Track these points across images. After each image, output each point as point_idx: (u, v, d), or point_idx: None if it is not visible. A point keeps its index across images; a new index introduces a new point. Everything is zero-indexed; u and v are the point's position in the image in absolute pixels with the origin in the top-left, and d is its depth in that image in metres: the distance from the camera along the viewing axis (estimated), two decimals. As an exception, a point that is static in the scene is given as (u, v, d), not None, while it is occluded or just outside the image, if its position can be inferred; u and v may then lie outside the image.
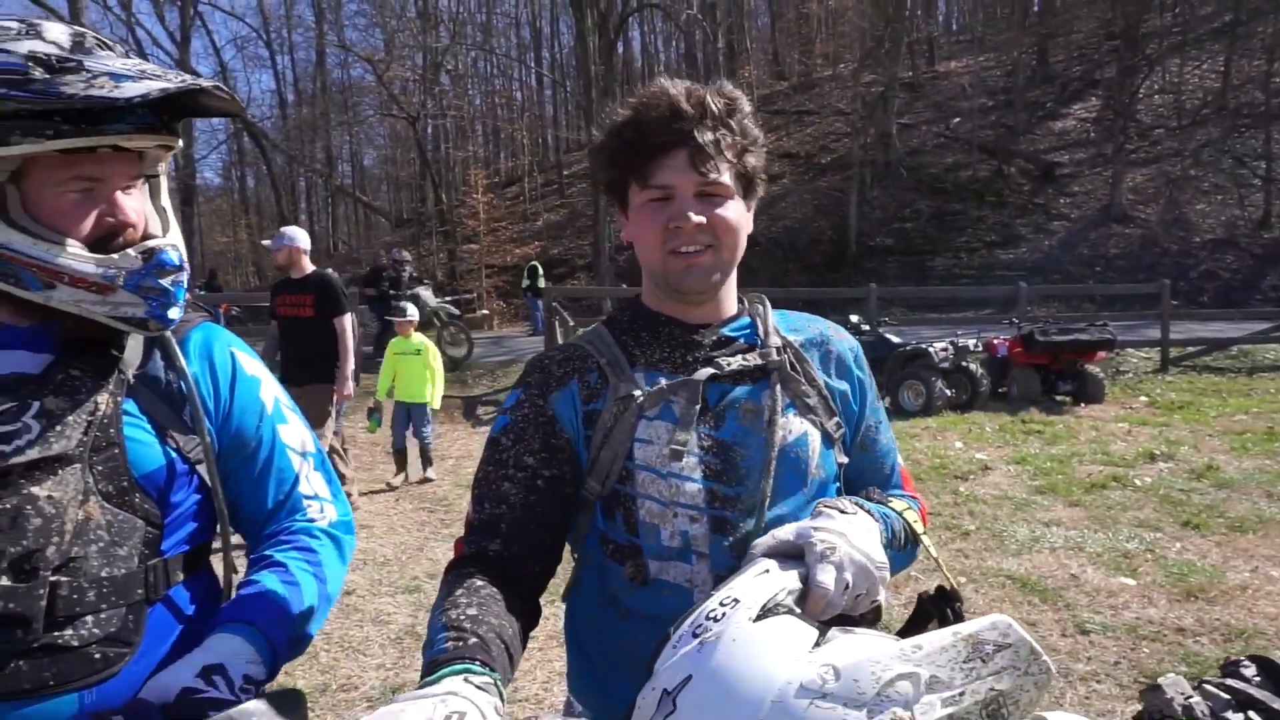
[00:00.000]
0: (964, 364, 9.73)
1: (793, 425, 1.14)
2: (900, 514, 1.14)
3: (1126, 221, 23.24)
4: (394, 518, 5.91)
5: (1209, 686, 0.83)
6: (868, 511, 1.05)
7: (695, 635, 0.88)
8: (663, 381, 1.13)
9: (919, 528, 1.14)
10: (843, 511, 1.01)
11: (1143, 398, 10.20)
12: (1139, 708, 0.83)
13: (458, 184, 32.77)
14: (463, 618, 0.96)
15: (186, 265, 1.12)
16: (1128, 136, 24.15)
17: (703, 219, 1.09)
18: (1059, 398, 9.90)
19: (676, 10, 30.86)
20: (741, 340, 1.18)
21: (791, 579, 0.94)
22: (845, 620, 0.95)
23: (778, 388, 1.14)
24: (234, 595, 1.15)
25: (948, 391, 9.56)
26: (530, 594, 1.11)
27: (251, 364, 1.24)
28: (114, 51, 1.05)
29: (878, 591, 0.95)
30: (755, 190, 1.17)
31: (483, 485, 1.15)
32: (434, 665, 0.88)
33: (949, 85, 31.81)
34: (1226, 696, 0.82)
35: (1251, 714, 0.81)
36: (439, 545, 5.27)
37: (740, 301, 1.24)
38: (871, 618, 0.98)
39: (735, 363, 1.14)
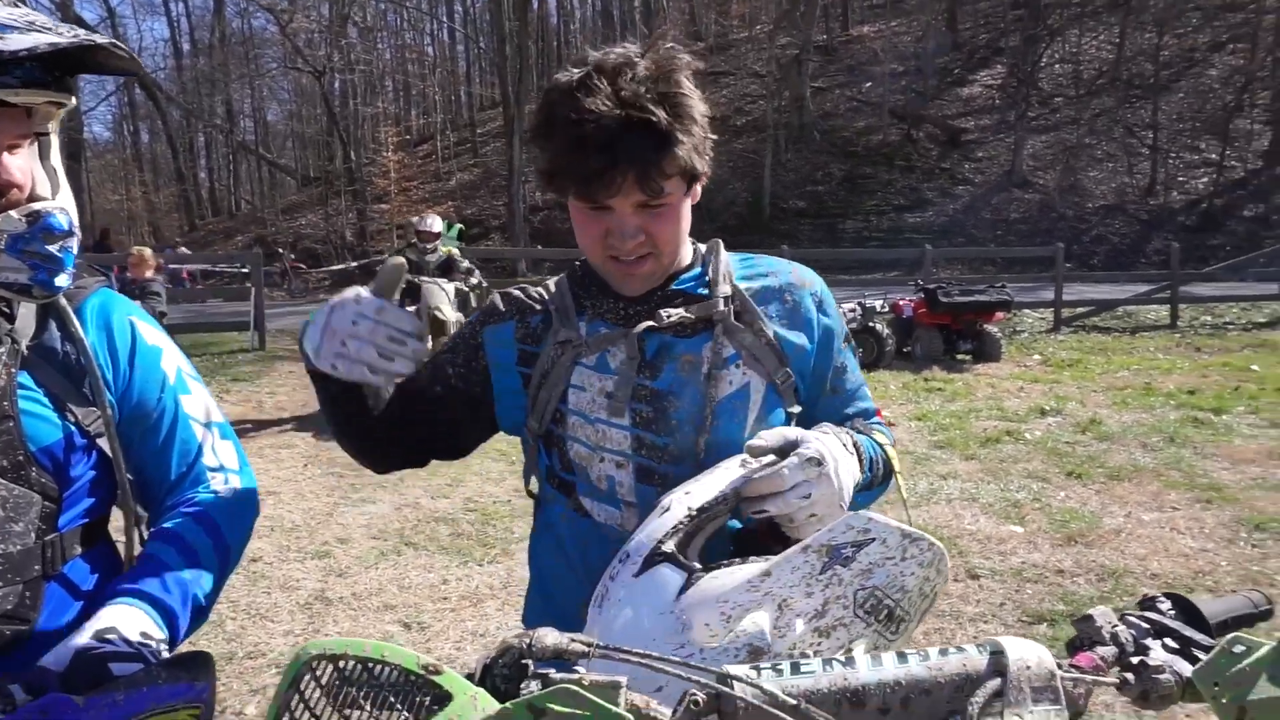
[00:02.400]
0: (871, 324, 10.03)
1: (734, 377, 1.14)
2: (882, 447, 1.17)
3: (1027, 187, 24.19)
4: (302, 483, 5.79)
5: (1131, 617, 0.90)
6: (856, 448, 1.08)
7: (599, 597, 0.91)
8: (603, 331, 1.16)
9: (896, 464, 1.18)
10: (844, 445, 1.05)
11: (1036, 356, 10.72)
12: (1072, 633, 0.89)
13: (367, 142, 31.77)
14: None
15: (77, 230, 1.07)
16: (1029, 104, 25.04)
17: (641, 236, 1.08)
18: (959, 357, 10.32)
19: (592, -34, 30.34)
20: (688, 293, 1.18)
21: (708, 490, 0.96)
22: (776, 535, 0.98)
23: (721, 339, 1.15)
24: (131, 568, 1.13)
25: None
26: (385, 423, 1.21)
27: (152, 333, 1.21)
28: None
29: (828, 523, 0.95)
30: (699, 179, 1.13)
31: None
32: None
33: (862, 50, 32.27)
34: (1146, 626, 0.89)
35: (1167, 640, 0.88)
36: (349, 510, 5.20)
37: (694, 249, 1.24)
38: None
39: (676, 315, 1.14)
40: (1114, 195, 23.98)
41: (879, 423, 1.26)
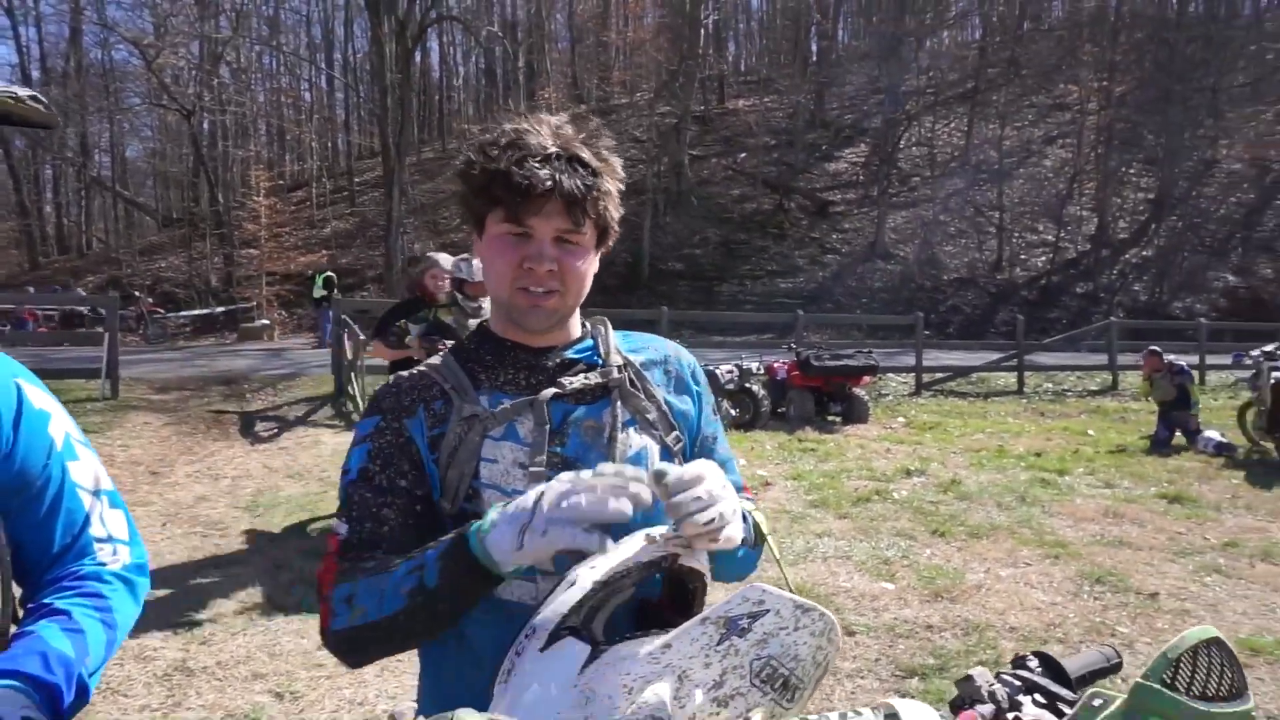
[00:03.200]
0: (747, 385, 10.36)
1: (633, 440, 1.18)
2: (749, 514, 1.21)
3: (889, 258, 25.75)
4: (160, 543, 5.41)
5: (1005, 676, 0.99)
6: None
7: (506, 673, 0.91)
8: (507, 403, 1.16)
9: (766, 528, 1.21)
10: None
11: (900, 419, 11.32)
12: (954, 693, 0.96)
13: (237, 184, 30.56)
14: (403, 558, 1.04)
15: None
16: (890, 182, 26.81)
17: (554, 266, 1.13)
18: (830, 418, 10.77)
19: (477, 26, 30.68)
20: (584, 361, 1.23)
21: (613, 563, 0.94)
22: (678, 607, 0.99)
23: (618, 405, 1.19)
24: (8, 647, 1.06)
25: (733, 412, 10.16)
26: None
27: (39, 396, 1.15)
28: None
29: (732, 535, 0.98)
30: (609, 239, 1.21)
31: (359, 509, 1.13)
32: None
33: (737, 122, 33.83)
34: (1019, 683, 0.98)
35: (1036, 695, 0.98)
36: (214, 572, 4.90)
37: (584, 325, 1.29)
38: (700, 592, 1.01)
39: (577, 382, 1.18)
40: (966, 269, 25.86)
41: (746, 496, 1.30)
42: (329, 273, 17.48)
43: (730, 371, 10.37)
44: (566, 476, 0.95)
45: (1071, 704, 0.98)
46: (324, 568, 1.12)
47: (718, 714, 0.86)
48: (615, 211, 1.18)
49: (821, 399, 10.79)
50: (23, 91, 0.96)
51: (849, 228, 27.62)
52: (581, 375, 1.19)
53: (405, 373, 1.24)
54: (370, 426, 1.17)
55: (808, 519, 6.28)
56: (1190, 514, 6.51)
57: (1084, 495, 7.11)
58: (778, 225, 27.15)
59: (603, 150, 1.16)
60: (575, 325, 1.26)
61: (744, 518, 1.15)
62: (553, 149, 1.10)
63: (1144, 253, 27.20)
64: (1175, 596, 4.73)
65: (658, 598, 1.07)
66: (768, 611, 0.86)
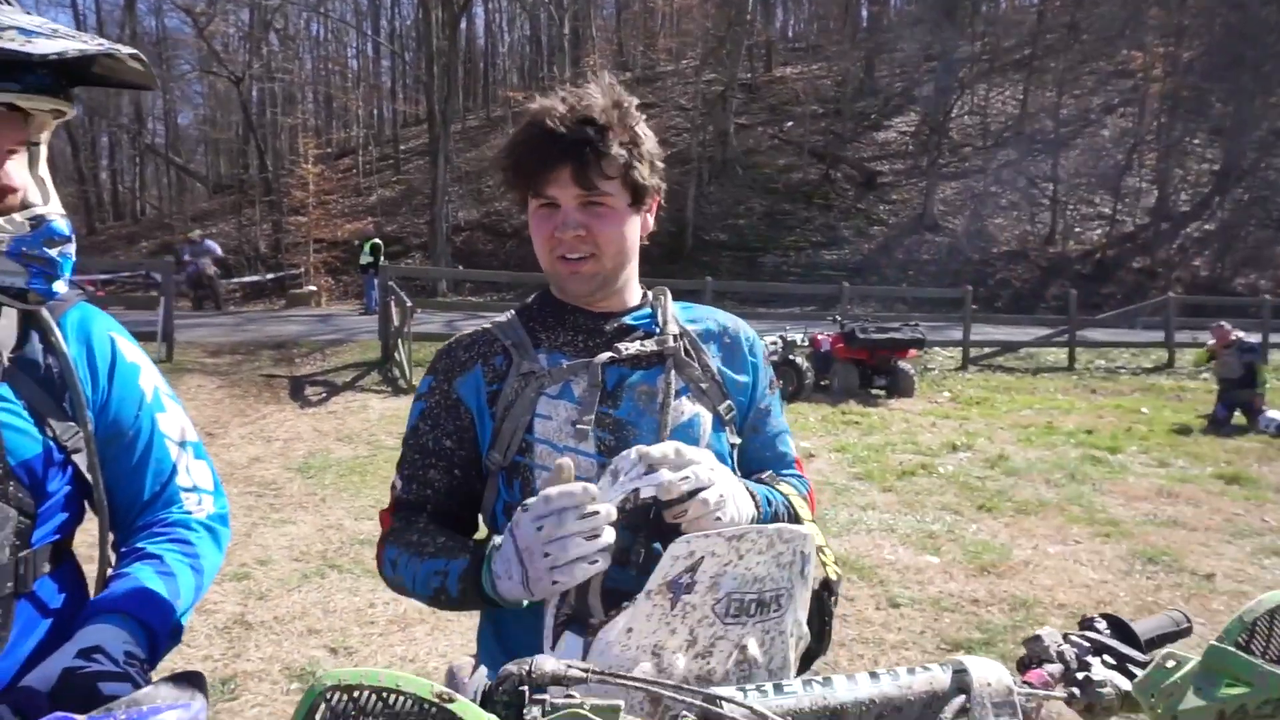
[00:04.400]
0: (791, 357, 10.29)
1: (685, 408, 1.20)
2: (786, 497, 1.22)
3: (937, 230, 25.25)
4: (216, 503, 5.58)
5: (1073, 637, 0.98)
6: (750, 492, 1.13)
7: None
8: (564, 363, 1.20)
9: (805, 513, 1.21)
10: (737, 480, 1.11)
11: (946, 393, 11.17)
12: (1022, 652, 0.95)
13: (285, 152, 30.93)
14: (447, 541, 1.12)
15: (74, 239, 1.05)
16: (940, 152, 26.22)
17: (582, 231, 1.15)
18: (874, 391, 10.67)
19: (523, -8, 30.50)
20: (642, 329, 1.25)
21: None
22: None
23: (672, 373, 1.21)
24: (104, 588, 1.10)
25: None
26: None
27: (131, 349, 1.19)
28: (13, 5, 0.98)
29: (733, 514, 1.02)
30: (646, 198, 1.21)
31: (409, 468, 1.24)
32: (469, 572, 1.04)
33: (784, 90, 33.27)
34: (1087, 644, 0.97)
35: (1105, 656, 0.96)
36: (268, 530, 5.03)
37: (644, 294, 1.32)
38: None
39: (633, 348, 1.21)
40: (1017, 242, 25.28)
41: (794, 473, 1.32)
42: (376, 240, 17.58)
43: (774, 343, 10.30)
44: (528, 513, 0.97)
45: (1141, 665, 0.97)
46: (383, 518, 1.25)
47: (708, 665, 0.87)
48: (647, 170, 1.19)
49: (866, 372, 10.68)
50: (125, 50, 0.97)
51: (897, 199, 27.11)
52: (638, 341, 1.22)
53: (467, 332, 1.29)
54: (425, 386, 1.26)
55: (852, 492, 6.25)
56: (1249, 495, 6.35)
57: (1137, 474, 6.97)
58: (824, 196, 26.75)
59: (624, 112, 1.17)
60: (633, 293, 1.29)
61: (769, 501, 1.17)
62: (561, 119, 1.13)
63: (1206, 226, 26.32)
64: (1232, 578, 4.62)
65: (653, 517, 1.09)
66: (702, 558, 0.85)
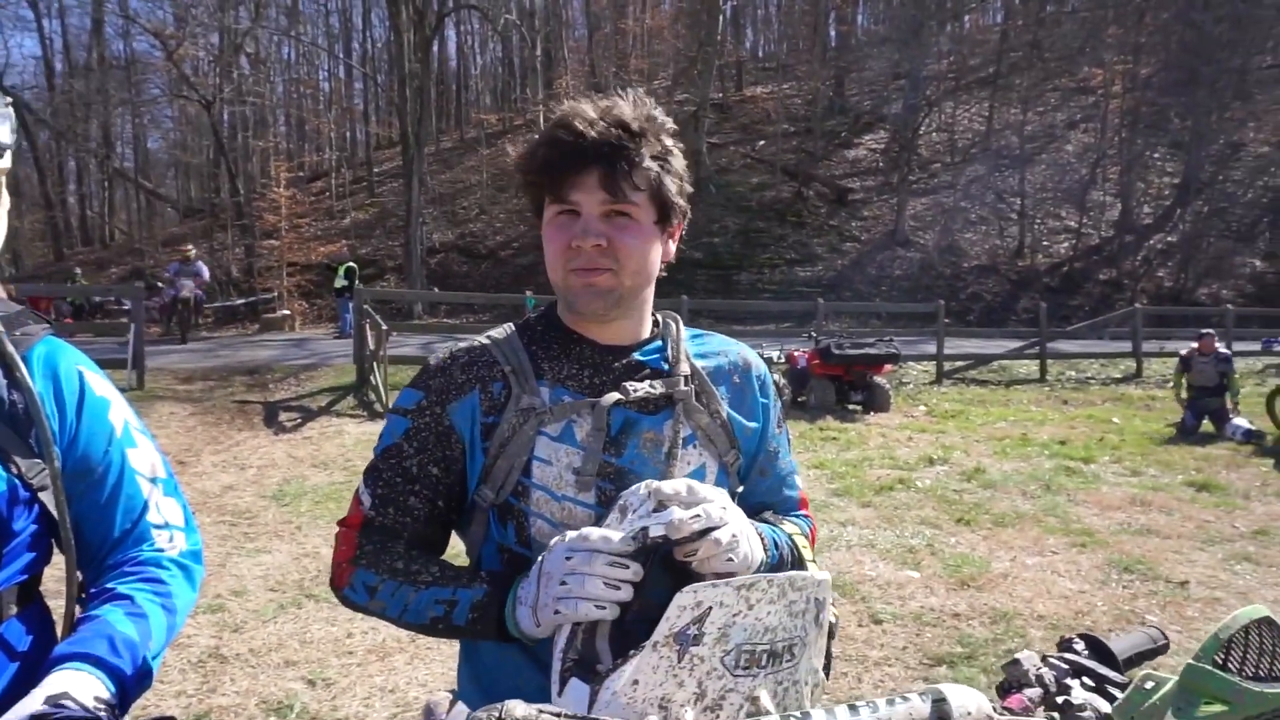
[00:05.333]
0: (769, 374, 10.32)
1: (691, 457, 1.15)
2: (790, 537, 1.19)
3: (909, 246, 25.54)
4: (190, 533, 5.49)
5: (1052, 659, 0.98)
6: (759, 533, 1.09)
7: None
8: (567, 400, 1.13)
9: (807, 553, 1.19)
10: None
11: (921, 407, 11.26)
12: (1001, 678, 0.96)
13: (257, 175, 30.73)
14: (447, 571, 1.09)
15: None
16: (910, 168, 26.56)
17: (603, 241, 1.08)
18: (851, 407, 10.73)
19: (495, 14, 30.62)
20: (650, 366, 1.18)
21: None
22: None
23: (681, 419, 1.15)
24: (74, 630, 1.08)
25: (754, 400, 10.15)
26: None
27: (100, 384, 1.17)
28: None
29: (748, 555, 0.99)
30: (672, 216, 1.15)
31: (386, 489, 1.15)
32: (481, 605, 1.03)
33: (755, 109, 33.59)
34: (1066, 666, 0.97)
35: (1085, 679, 0.96)
36: (243, 560, 4.96)
37: (656, 324, 1.24)
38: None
39: (641, 389, 1.14)
40: (987, 256, 25.62)
41: (800, 514, 1.29)
42: (350, 263, 17.50)
43: (751, 360, 10.34)
44: (565, 542, 0.96)
45: (1120, 686, 0.97)
46: (344, 536, 1.16)
47: (718, 718, 0.85)
48: (676, 188, 1.13)
49: (842, 387, 10.75)
50: None
51: (869, 215, 27.40)
52: (647, 383, 1.15)
53: (464, 346, 1.20)
54: (413, 402, 1.16)
55: (831, 508, 6.27)
56: (1219, 502, 6.45)
57: (1110, 483, 7.06)
58: (796, 213, 26.98)
59: (658, 124, 1.12)
60: (644, 323, 1.21)
61: (776, 544, 1.14)
62: (591, 123, 1.07)
63: (1169, 238, 26.84)
64: (1205, 585, 4.69)
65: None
66: (711, 609, 0.83)
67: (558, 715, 0.72)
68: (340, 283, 16.91)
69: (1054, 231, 27.18)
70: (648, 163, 1.09)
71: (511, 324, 1.23)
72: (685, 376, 1.17)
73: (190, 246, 17.69)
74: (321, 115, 34.52)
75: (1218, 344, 9.79)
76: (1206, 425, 9.31)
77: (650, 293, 1.19)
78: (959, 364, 14.02)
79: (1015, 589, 4.65)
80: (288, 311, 20.48)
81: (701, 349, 1.24)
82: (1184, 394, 9.77)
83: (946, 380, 13.30)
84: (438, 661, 3.68)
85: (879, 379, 10.95)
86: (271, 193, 23.58)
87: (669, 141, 1.13)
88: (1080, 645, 1.06)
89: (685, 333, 1.24)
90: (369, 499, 1.15)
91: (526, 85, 34.59)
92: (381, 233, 26.85)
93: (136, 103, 31.99)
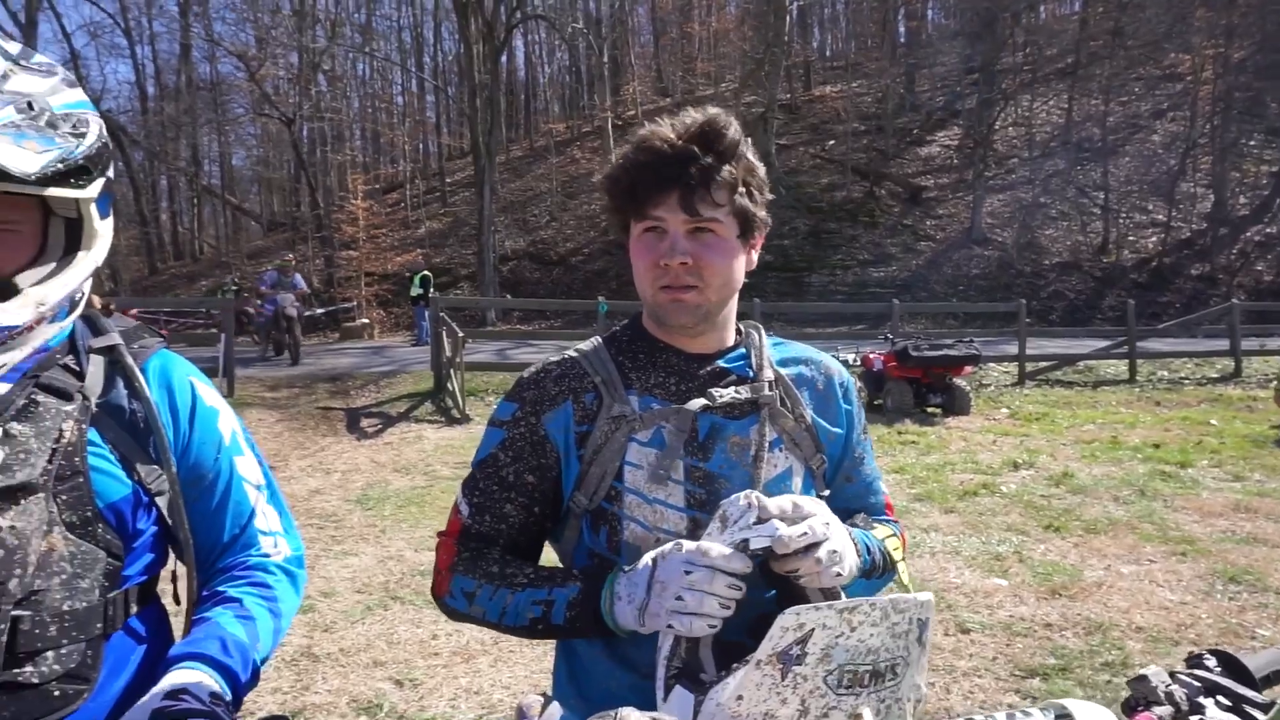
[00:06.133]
0: (843, 377, 10.15)
1: (778, 461, 1.17)
2: (882, 541, 1.20)
3: (985, 244, 24.85)
4: (280, 536, 5.68)
5: (1182, 676, 0.93)
6: (852, 539, 1.10)
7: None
8: (655, 407, 1.15)
9: (897, 555, 1.20)
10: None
11: (1004, 410, 10.93)
12: (1124, 697, 0.91)
13: (335, 188, 31.72)
14: (539, 573, 1.13)
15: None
16: (986, 164, 25.85)
17: (689, 259, 1.10)
18: (930, 410, 10.48)
19: (562, 23, 30.98)
20: (735, 373, 1.21)
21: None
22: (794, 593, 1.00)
23: (766, 423, 1.17)
24: (189, 631, 1.13)
25: (828, 404, 10.00)
26: None
27: (210, 394, 1.22)
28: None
29: (842, 571, 1.00)
30: (754, 229, 1.18)
31: (483, 497, 1.19)
32: (578, 603, 1.05)
33: (824, 109, 33.20)
34: (1198, 684, 0.91)
35: (1219, 697, 0.90)
36: (331, 563, 5.10)
37: (739, 331, 1.27)
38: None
39: (727, 395, 1.16)
40: (1069, 253, 24.74)
41: (887, 518, 1.31)
42: (425, 272, 17.87)
43: (825, 363, 10.20)
44: (683, 553, 0.97)
45: (1260, 707, 0.91)
46: (444, 545, 1.20)
47: None
48: (758, 201, 1.15)
49: (920, 390, 10.50)
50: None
51: (943, 213, 26.77)
52: (732, 389, 1.17)
53: (555, 359, 1.23)
54: (508, 414, 1.20)
55: (912, 513, 6.13)
56: (1332, 509, 6.09)
57: (1210, 489, 6.72)
58: (869, 213, 26.54)
59: (729, 137, 1.13)
60: (728, 332, 1.24)
61: (869, 549, 1.15)
62: (670, 143, 1.10)
63: (1268, 229, 25.48)
64: (1321, 597, 4.42)
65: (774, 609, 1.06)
66: (813, 630, 0.84)
67: None
68: (416, 291, 17.29)
69: (1140, 226, 26.09)
70: (725, 176, 1.11)
71: (599, 337, 1.26)
72: (770, 382, 1.19)
73: (290, 255, 16.77)
74: (396, 128, 35.48)
75: None
76: (1314, 427, 8.80)
77: (734, 303, 1.22)
78: (1042, 365, 13.56)
79: (1110, 599, 4.46)
80: (366, 320, 21.07)
81: (784, 356, 1.27)
82: None
83: (1029, 382, 12.89)
84: (521, 664, 3.72)
85: (959, 381, 10.67)
86: (349, 205, 24.34)
87: (749, 155, 1.15)
88: (1212, 661, 0.99)
89: (768, 341, 1.27)
90: (467, 508, 1.19)
91: (594, 92, 34.86)
92: (455, 241, 27.40)
93: (222, 122, 33.40)
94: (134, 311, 16.52)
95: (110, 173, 1.11)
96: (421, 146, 39.15)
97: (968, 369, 10.86)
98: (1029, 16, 33.19)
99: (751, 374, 1.21)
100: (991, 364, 13.24)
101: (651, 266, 1.13)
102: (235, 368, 10.86)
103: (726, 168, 1.11)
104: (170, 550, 1.18)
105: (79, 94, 1.07)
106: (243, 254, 30.28)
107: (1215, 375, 13.60)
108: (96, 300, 1.26)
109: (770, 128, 26.95)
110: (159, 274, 31.27)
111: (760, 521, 0.97)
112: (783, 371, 1.24)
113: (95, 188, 1.06)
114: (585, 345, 1.24)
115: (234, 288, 18.34)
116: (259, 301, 15.27)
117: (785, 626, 0.83)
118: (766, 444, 1.16)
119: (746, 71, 28.33)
